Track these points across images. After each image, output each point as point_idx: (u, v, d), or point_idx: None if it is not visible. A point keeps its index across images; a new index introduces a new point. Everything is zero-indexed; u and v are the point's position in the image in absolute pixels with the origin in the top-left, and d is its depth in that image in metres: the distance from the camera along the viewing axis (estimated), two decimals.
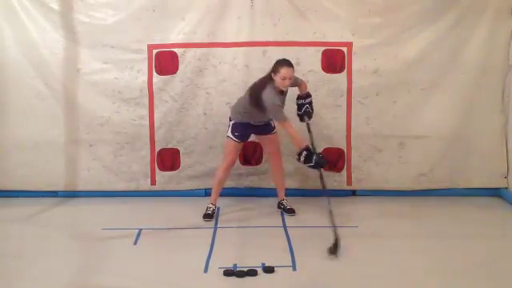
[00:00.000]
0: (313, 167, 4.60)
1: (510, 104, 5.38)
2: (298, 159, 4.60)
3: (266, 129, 5.00)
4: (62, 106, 5.45)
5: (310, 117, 4.90)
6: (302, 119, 4.91)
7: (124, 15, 5.33)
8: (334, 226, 4.32)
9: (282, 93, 4.75)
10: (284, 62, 4.65)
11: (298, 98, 4.92)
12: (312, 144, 4.71)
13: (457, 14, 5.27)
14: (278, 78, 4.63)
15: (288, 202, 5.13)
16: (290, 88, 4.86)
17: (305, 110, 4.88)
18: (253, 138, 5.10)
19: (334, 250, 4.14)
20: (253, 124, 4.91)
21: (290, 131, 4.62)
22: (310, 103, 4.91)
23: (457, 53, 5.33)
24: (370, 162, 5.52)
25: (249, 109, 4.79)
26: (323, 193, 4.64)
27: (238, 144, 4.94)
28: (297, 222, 4.91)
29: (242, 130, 4.90)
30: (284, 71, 4.60)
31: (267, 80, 4.69)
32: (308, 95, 4.91)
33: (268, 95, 4.61)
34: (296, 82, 4.86)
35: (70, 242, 4.56)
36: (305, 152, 4.55)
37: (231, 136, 4.90)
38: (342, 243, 4.20)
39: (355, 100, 5.43)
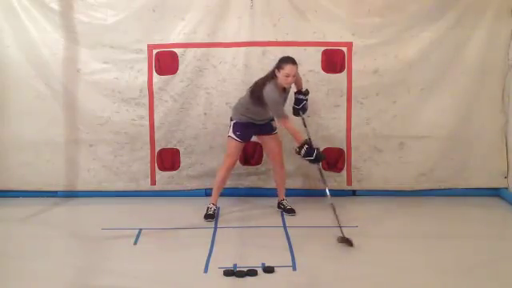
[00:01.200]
0: (312, 161, 4.63)
1: (510, 104, 5.38)
2: (298, 153, 4.62)
3: (267, 129, 5.00)
4: (61, 106, 5.45)
5: (304, 112, 4.96)
6: (296, 113, 4.96)
7: (124, 15, 5.33)
8: (339, 225, 4.35)
9: (285, 90, 4.76)
10: (288, 60, 4.67)
11: (298, 92, 4.96)
12: (310, 139, 4.73)
13: (457, 14, 5.27)
14: (281, 75, 4.64)
15: (288, 202, 5.13)
16: (290, 91, 4.87)
17: (303, 106, 4.94)
18: (254, 138, 5.10)
19: (344, 239, 4.22)
20: (254, 124, 4.91)
21: (290, 128, 4.65)
22: (307, 100, 4.97)
23: (457, 53, 5.33)
24: (369, 161, 5.52)
25: (250, 107, 4.79)
26: (325, 191, 4.64)
27: (239, 144, 4.94)
28: (297, 221, 4.91)
29: (243, 129, 4.90)
30: (288, 68, 4.61)
31: (270, 77, 4.71)
32: (307, 92, 4.96)
33: (269, 92, 4.62)
34: (295, 80, 4.87)
35: (70, 242, 4.57)
36: (306, 146, 4.58)
37: (233, 136, 4.90)
38: (342, 243, 4.20)
39: (355, 100, 5.43)
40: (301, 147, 4.59)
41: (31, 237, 4.62)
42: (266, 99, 4.63)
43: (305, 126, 4.89)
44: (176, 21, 5.35)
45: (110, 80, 5.41)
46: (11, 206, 5.40)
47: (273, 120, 4.97)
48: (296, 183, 5.55)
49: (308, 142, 4.62)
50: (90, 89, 5.43)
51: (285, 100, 4.81)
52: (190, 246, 4.42)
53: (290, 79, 4.65)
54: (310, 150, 4.58)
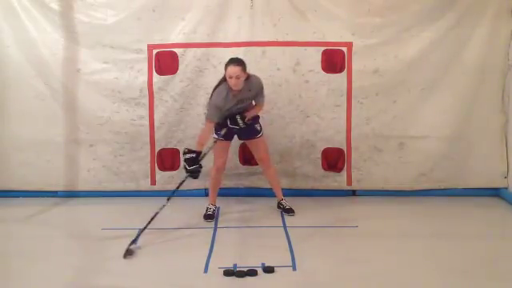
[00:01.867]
0: (186, 169, 4.62)
1: (509, 104, 5.38)
2: (184, 153, 4.65)
3: (251, 133, 4.97)
4: (61, 105, 5.46)
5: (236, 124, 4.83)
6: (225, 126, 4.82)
7: (124, 15, 5.34)
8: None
9: (240, 92, 4.70)
10: (230, 61, 4.67)
11: (241, 116, 4.81)
12: (202, 157, 4.68)
13: (457, 14, 5.27)
14: (227, 77, 4.64)
15: (287, 202, 5.13)
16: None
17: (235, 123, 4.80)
18: None
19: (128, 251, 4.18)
20: (233, 127, 4.86)
21: (201, 132, 4.76)
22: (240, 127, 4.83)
23: (457, 53, 5.33)
24: (369, 161, 5.52)
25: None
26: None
27: (224, 142, 4.92)
28: (297, 221, 4.91)
29: (222, 129, 4.88)
30: (229, 69, 4.61)
31: (222, 80, 4.73)
32: (246, 122, 4.82)
33: (215, 93, 4.68)
34: (258, 95, 4.82)
35: (70, 242, 4.56)
36: (193, 155, 4.60)
37: (215, 136, 4.88)
38: (342, 243, 4.20)
39: (355, 100, 5.43)
40: (190, 151, 4.61)
41: (31, 237, 4.61)
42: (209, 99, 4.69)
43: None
44: (176, 21, 5.36)
45: (110, 80, 5.41)
46: (11, 205, 5.40)
47: (256, 124, 4.95)
48: (295, 183, 5.54)
49: (197, 155, 4.61)
50: (89, 89, 5.43)
51: (238, 102, 4.74)
52: (190, 246, 4.41)
53: (233, 81, 4.60)
54: (194, 161, 4.58)
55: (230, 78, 4.60)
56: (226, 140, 4.95)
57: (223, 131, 4.84)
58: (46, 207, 5.32)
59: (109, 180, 5.56)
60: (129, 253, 4.17)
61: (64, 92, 5.44)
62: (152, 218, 4.47)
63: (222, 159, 4.97)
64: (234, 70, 4.60)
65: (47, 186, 5.55)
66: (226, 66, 4.65)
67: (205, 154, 4.72)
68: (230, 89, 4.66)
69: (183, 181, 4.71)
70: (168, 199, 4.62)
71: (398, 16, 5.32)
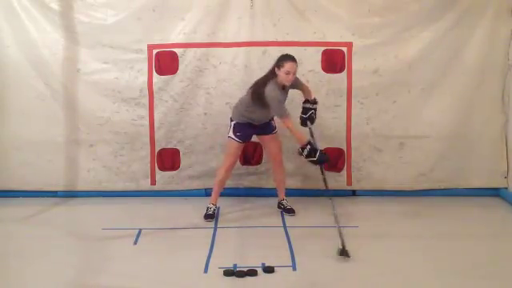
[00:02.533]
0: (314, 162, 4.59)
1: (510, 104, 5.38)
2: (301, 153, 4.59)
3: (267, 129, 5.00)
4: (61, 105, 5.45)
5: (312, 122, 4.90)
6: (304, 123, 4.89)
7: (124, 15, 5.33)
8: (340, 232, 4.29)
9: (284, 88, 4.76)
10: (288, 57, 4.68)
11: (306, 102, 4.92)
12: (314, 143, 4.69)
13: (457, 14, 5.27)
14: (281, 73, 4.64)
15: (288, 202, 5.13)
16: (291, 91, 4.86)
17: (310, 115, 4.88)
18: (254, 138, 5.10)
19: (343, 252, 4.12)
20: (254, 124, 4.91)
21: (291, 127, 4.62)
22: (315, 110, 4.91)
23: (457, 53, 5.33)
24: (369, 161, 5.52)
25: (250, 106, 4.79)
26: (325, 193, 4.63)
27: (239, 144, 4.93)
28: (297, 221, 4.91)
29: (243, 130, 4.89)
30: (288, 65, 4.62)
31: (270, 76, 4.71)
32: (315, 101, 4.92)
33: (271, 90, 4.62)
34: (298, 83, 4.87)
35: (70, 242, 4.56)
36: (308, 147, 4.56)
37: (233, 136, 4.90)
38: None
39: (355, 100, 5.43)
40: (303, 148, 4.57)
41: (31, 237, 4.62)
42: (267, 98, 4.62)
43: (312, 136, 4.80)
44: (176, 21, 5.35)
45: (110, 80, 5.41)
46: (11, 205, 5.40)
47: (272, 119, 4.97)
48: (296, 183, 5.55)
49: (310, 143, 4.59)
50: (89, 89, 5.43)
51: (284, 100, 4.79)
52: (190, 246, 4.41)
53: (290, 76, 4.64)
54: (313, 152, 4.56)
55: (288, 73, 4.62)
56: (244, 142, 4.96)
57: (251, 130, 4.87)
58: (46, 207, 5.32)
59: (109, 180, 5.56)
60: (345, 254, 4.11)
61: (64, 92, 5.43)
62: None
63: (234, 159, 4.98)
64: (293, 65, 4.63)
65: (47, 186, 5.55)
66: (283, 61, 4.63)
67: (314, 139, 4.70)
68: (277, 85, 4.67)
69: (324, 177, 4.65)
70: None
71: (397, 16, 5.31)
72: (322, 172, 4.67)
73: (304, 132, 4.75)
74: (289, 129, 4.65)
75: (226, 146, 5.02)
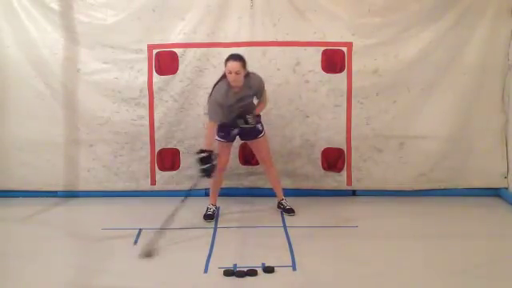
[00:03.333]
0: (201, 170, 4.59)
1: (510, 104, 5.38)
2: (197, 153, 4.63)
3: (253, 133, 4.97)
4: (61, 105, 5.46)
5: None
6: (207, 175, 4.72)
7: (124, 15, 5.34)
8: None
9: (241, 89, 4.71)
10: (230, 56, 4.67)
11: (201, 151, 4.72)
12: (215, 156, 4.67)
13: (457, 14, 5.27)
14: (226, 73, 4.63)
15: (287, 202, 5.13)
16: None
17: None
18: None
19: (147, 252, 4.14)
20: (229, 125, 4.85)
21: (207, 132, 4.75)
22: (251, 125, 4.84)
23: (457, 53, 5.33)
24: (369, 161, 5.52)
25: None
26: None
27: (224, 143, 4.92)
28: (297, 221, 4.91)
29: (224, 129, 4.87)
30: (229, 64, 4.62)
31: (222, 76, 4.72)
32: (258, 120, 4.87)
33: (215, 89, 4.67)
34: (259, 92, 4.83)
35: (70, 242, 4.57)
36: (206, 154, 4.58)
37: (216, 137, 4.88)
38: (343, 243, 4.19)
39: (355, 100, 5.43)
40: (202, 151, 4.60)
41: (31, 237, 4.61)
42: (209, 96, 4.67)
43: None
44: (176, 21, 5.36)
45: (110, 80, 5.41)
46: (11, 205, 5.40)
47: (259, 123, 4.94)
48: (295, 183, 5.54)
49: (211, 155, 4.59)
50: (89, 89, 5.43)
51: (239, 100, 4.74)
52: (189, 245, 4.41)
53: (232, 76, 4.61)
54: (207, 160, 4.56)
55: (230, 73, 4.61)
56: (228, 141, 4.95)
57: (235, 131, 4.86)
58: (46, 207, 5.31)
59: (109, 180, 5.56)
60: (148, 254, 4.14)
61: (64, 92, 5.43)
62: (169, 218, 4.45)
63: (224, 159, 4.96)
64: (234, 65, 4.60)
65: (47, 186, 5.55)
66: (226, 61, 4.65)
67: (217, 154, 4.72)
68: (229, 85, 4.66)
69: (199, 180, 4.69)
70: (183, 199, 4.61)
71: (397, 16, 5.31)
72: (200, 176, 4.65)
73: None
74: (206, 130, 4.74)
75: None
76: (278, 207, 5.16)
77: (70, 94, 5.44)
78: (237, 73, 4.60)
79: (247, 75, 4.71)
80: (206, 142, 4.69)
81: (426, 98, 5.41)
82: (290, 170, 5.46)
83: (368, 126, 5.46)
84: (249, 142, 5.10)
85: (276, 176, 5.14)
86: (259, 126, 4.96)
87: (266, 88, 4.92)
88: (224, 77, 4.70)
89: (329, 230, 4.40)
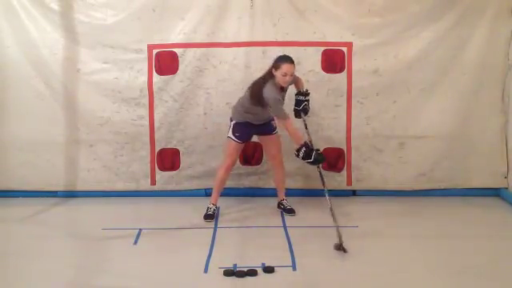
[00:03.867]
0: (311, 163, 4.58)
1: (510, 104, 5.38)
2: (297, 155, 4.59)
3: (267, 129, 4.99)
4: (61, 105, 5.46)
5: (306, 113, 4.90)
6: (297, 115, 4.91)
7: (124, 15, 5.34)
8: (337, 226, 4.31)
9: (283, 89, 4.76)
10: (285, 58, 4.67)
11: (298, 94, 4.93)
12: (310, 141, 4.71)
13: (457, 14, 5.27)
14: (278, 74, 4.63)
15: (288, 202, 5.13)
16: (291, 91, 4.86)
17: (303, 107, 4.88)
18: (254, 138, 5.10)
19: (340, 246, 4.16)
20: (253, 124, 4.90)
21: (290, 128, 4.62)
22: (308, 101, 4.92)
23: (457, 53, 5.33)
24: (369, 161, 5.52)
25: (250, 107, 4.79)
26: (324, 192, 4.63)
27: (238, 145, 4.93)
28: (297, 221, 4.91)
29: (242, 130, 4.89)
30: (285, 67, 4.61)
31: (268, 76, 4.70)
32: (307, 93, 4.91)
33: (269, 91, 4.61)
34: (293, 80, 4.87)
35: (70, 242, 4.57)
36: (304, 148, 4.54)
37: (232, 136, 4.90)
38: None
39: (355, 100, 5.43)
40: (299, 149, 4.56)
41: (31, 237, 4.61)
42: (266, 99, 4.62)
43: (306, 128, 4.83)
44: (176, 21, 5.36)
45: (110, 80, 5.41)
46: (11, 205, 5.40)
47: (272, 120, 4.97)
48: (296, 183, 5.54)
49: (306, 145, 4.58)
50: (89, 89, 5.43)
51: (283, 99, 4.79)
52: (190, 246, 4.41)
53: (287, 78, 4.64)
54: (309, 152, 4.54)
55: (285, 75, 4.61)
56: (243, 142, 4.96)
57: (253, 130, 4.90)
58: (46, 207, 5.32)
59: (109, 180, 5.56)
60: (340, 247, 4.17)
61: (64, 92, 5.43)
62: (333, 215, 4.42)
63: (233, 159, 4.97)
64: (291, 67, 4.62)
65: (47, 185, 5.55)
66: (280, 63, 4.63)
67: (310, 141, 4.70)
68: (277, 85, 4.67)
69: (321, 176, 4.64)
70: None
71: (397, 16, 5.31)
72: (322, 176, 4.66)
73: (302, 133, 4.75)
74: (287, 130, 4.65)
75: (225, 146, 5.02)
76: (279, 207, 5.17)
77: (70, 94, 5.44)
78: (291, 75, 4.65)
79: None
80: (296, 139, 4.59)
81: (426, 98, 5.41)
82: (291, 170, 5.45)
83: (368, 126, 5.46)
84: (262, 138, 5.09)
85: (283, 176, 5.14)
86: (273, 122, 4.98)
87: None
88: (268, 77, 4.67)
89: (329, 230, 4.40)
